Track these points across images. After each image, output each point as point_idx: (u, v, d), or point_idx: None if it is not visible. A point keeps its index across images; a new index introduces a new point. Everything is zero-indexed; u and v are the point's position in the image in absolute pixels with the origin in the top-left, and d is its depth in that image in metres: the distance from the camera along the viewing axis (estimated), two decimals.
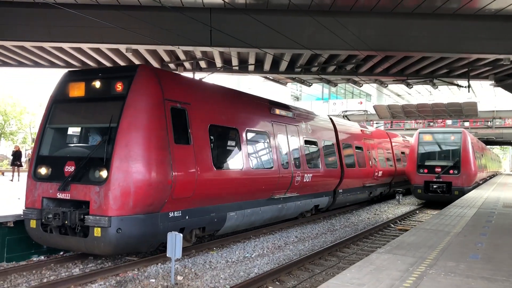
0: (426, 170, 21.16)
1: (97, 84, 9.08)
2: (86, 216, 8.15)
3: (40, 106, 42.58)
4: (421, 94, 67.98)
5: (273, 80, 23.68)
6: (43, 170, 8.99)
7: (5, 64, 19.81)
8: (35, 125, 44.36)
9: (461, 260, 7.13)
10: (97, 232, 8.04)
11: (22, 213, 9.06)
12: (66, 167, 8.66)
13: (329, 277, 8.59)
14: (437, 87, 24.25)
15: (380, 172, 21.58)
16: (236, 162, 11.13)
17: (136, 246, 8.69)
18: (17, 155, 23.04)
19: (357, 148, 19.39)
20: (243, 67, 19.64)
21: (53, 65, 19.50)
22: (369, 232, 13.87)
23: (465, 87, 20.98)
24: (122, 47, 15.96)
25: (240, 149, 11.22)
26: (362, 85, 26.83)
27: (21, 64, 19.74)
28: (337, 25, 13.98)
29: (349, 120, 22.44)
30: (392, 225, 15.82)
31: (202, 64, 19.72)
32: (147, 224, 8.50)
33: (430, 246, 8.18)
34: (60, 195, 8.57)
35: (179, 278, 8.31)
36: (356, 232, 13.75)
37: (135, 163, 8.26)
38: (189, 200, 9.35)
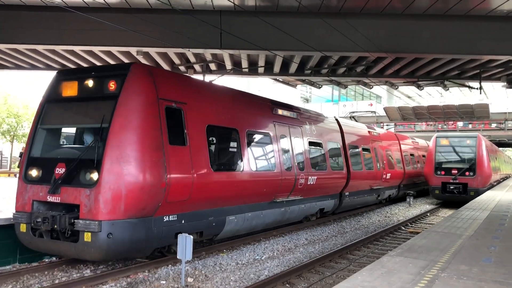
0: (443, 172, 22.71)
1: (89, 83, 8.83)
2: (75, 220, 7.88)
3: None
4: (432, 96, 67.51)
5: (283, 82, 23.66)
6: (34, 172, 8.73)
7: (18, 67, 20.04)
8: None
9: (473, 263, 7.05)
10: (87, 237, 7.78)
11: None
12: (57, 169, 8.39)
13: (339, 280, 8.56)
14: (448, 89, 24.02)
15: (388, 175, 21.35)
16: (235, 164, 10.86)
17: (128, 252, 8.41)
18: None
19: (364, 150, 19.13)
20: (253, 69, 19.65)
21: (64, 67, 19.69)
22: (379, 235, 13.79)
23: (477, 88, 20.81)
24: (133, 50, 16.06)
25: (239, 150, 10.90)
26: (372, 87, 26.65)
27: (33, 67, 19.97)
28: (347, 26, 13.93)
29: (356, 121, 22.14)
30: (403, 228, 15.71)
31: (212, 66, 19.77)
32: (140, 229, 8.20)
33: (442, 249, 8.11)
34: (50, 198, 8.33)
35: (190, 280, 8.33)
36: (366, 235, 13.67)
37: (127, 165, 7.97)
38: (185, 203, 9.04)
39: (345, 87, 25.76)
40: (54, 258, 9.78)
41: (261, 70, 19.64)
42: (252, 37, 13.95)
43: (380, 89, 55.23)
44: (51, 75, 10.57)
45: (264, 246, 11.60)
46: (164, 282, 8.19)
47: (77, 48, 16.19)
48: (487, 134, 42.00)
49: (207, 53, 17.12)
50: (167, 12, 13.74)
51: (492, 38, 14.49)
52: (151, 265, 9.14)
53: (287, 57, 17.52)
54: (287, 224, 14.16)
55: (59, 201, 8.22)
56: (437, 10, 13.82)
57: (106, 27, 12.76)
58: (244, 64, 18.84)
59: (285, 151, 12.74)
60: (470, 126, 45.43)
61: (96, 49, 16.18)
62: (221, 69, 19.91)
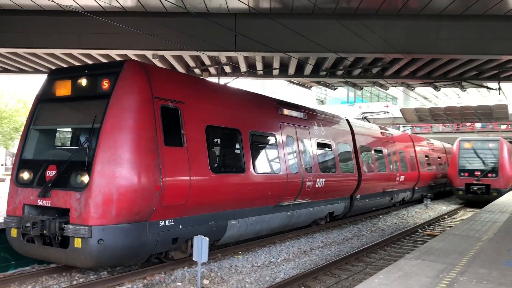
0: (466, 174, 24.21)
1: (83, 82, 8.52)
2: (65, 225, 7.56)
3: None
4: (449, 97, 66.71)
5: (298, 84, 23.61)
6: (25, 175, 8.43)
7: (37, 71, 20.37)
8: None
9: (493, 267, 6.93)
10: (77, 243, 7.44)
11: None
12: (48, 171, 8.10)
13: (356, 283, 8.49)
14: (465, 90, 23.73)
15: (402, 177, 20.92)
16: (237, 166, 10.45)
17: (121, 259, 8.07)
18: None
19: (377, 151, 18.67)
20: (267, 72, 19.65)
21: None
22: (396, 238, 13.66)
23: (495, 89, 20.49)
24: (149, 53, 16.20)
25: (241, 152, 10.49)
26: (388, 88, 26.42)
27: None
28: (363, 27, 13.85)
29: (369, 122, 21.64)
30: (420, 230, 15.53)
31: (227, 69, 19.83)
32: (133, 234, 7.84)
33: (460, 252, 7.99)
34: (40, 202, 8.01)
35: (206, 282, 8.35)
36: (383, 237, 13.55)
37: (118, 167, 7.63)
38: (182, 207, 8.66)
39: (361, 88, 25.58)
40: None
41: (275, 72, 19.64)
42: (266, 39, 13.95)
43: (396, 91, 54.76)
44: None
45: (280, 249, 11.57)
46: (180, 284, 8.22)
47: (94, 52, 16.40)
48: (506, 136, 41.32)
49: (222, 56, 17.18)
50: (183, 15, 13.82)
51: (510, 38, 14.27)
52: (168, 267, 9.19)
53: (302, 59, 17.48)
54: (297, 228, 13.87)
55: (49, 205, 7.92)
56: (454, 10, 13.66)
57: (122, 31, 12.89)
58: (259, 66, 18.85)
59: (291, 153, 12.33)
60: (490, 126, 44.85)
61: (112, 52, 16.36)
62: (236, 71, 19.97)
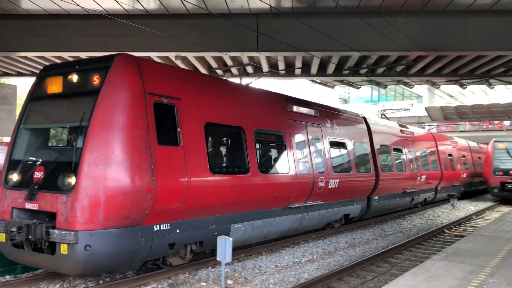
0: (501, 173, 25.13)
1: (74, 78, 8.02)
2: (51, 230, 7.09)
3: None
4: (476, 94, 65.28)
5: (320, 83, 23.50)
6: (14, 177, 7.99)
7: None
8: None
9: None
10: (63, 249, 6.98)
11: None
12: (36, 173, 7.66)
13: (381, 284, 8.37)
14: (493, 87, 23.20)
15: (423, 177, 20.07)
16: (240, 166, 9.85)
17: (111, 266, 7.56)
18: None
19: (396, 150, 17.85)
20: (289, 71, 19.61)
21: None
22: (422, 238, 13.43)
23: None
24: (172, 55, 16.36)
25: (245, 151, 9.82)
26: (412, 87, 26.05)
27: None
28: (386, 25, 13.68)
29: (388, 119, 20.81)
30: (447, 231, 15.23)
31: (249, 69, 19.88)
32: (124, 240, 7.33)
33: (490, 253, 7.80)
34: (28, 205, 7.55)
35: (229, 282, 8.36)
36: (408, 238, 13.34)
37: (106, 168, 7.13)
38: (179, 211, 8.09)
39: (385, 87, 25.32)
40: None
41: (298, 71, 19.58)
42: (288, 39, 13.92)
43: (421, 89, 53.91)
44: None
45: (304, 249, 11.51)
46: (204, 284, 8.26)
47: None
48: None
49: (244, 56, 17.21)
50: (205, 16, 13.92)
51: None
52: (192, 266, 9.24)
53: (324, 58, 17.37)
54: (314, 230, 13.29)
55: (37, 208, 7.45)
56: (482, 5, 13.36)
57: (145, 33, 13.05)
58: (281, 66, 18.82)
59: (301, 152, 11.67)
60: None
61: (136, 55, 16.55)
62: (257, 71, 19.98)
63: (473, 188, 29.91)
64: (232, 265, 9.55)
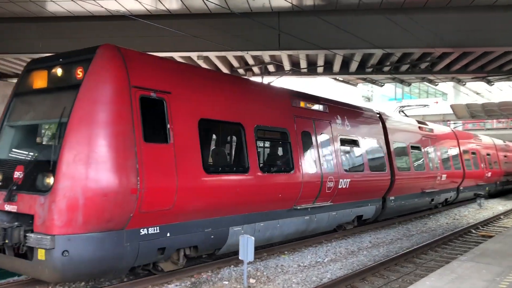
0: None
1: (58, 71, 7.57)
2: (27, 235, 6.60)
3: None
4: (504, 91, 63.73)
5: (343, 81, 23.30)
6: None
7: None
8: None
9: None
10: (40, 254, 6.50)
11: None
12: (16, 172, 7.20)
13: (406, 285, 8.24)
14: None
15: (444, 176, 19.21)
16: (239, 165, 9.30)
17: (92, 273, 7.03)
18: None
19: (414, 148, 17.02)
20: (311, 69, 19.50)
21: None
22: (448, 238, 13.18)
23: None
24: (194, 55, 16.45)
25: (244, 149, 9.19)
26: (437, 84, 25.58)
27: None
28: (410, 22, 13.46)
29: (406, 116, 20.02)
30: (474, 231, 14.91)
31: (271, 68, 19.84)
32: (106, 245, 6.81)
33: None
34: (7, 207, 7.05)
35: (252, 281, 8.37)
36: (434, 238, 13.11)
37: (86, 167, 6.63)
38: (169, 213, 7.53)
39: (409, 84, 24.95)
40: None
41: (320, 70, 19.45)
42: (310, 37, 13.83)
43: (446, 86, 52.96)
44: None
45: (326, 249, 11.43)
46: (226, 282, 8.28)
47: None
48: None
49: (266, 55, 17.20)
50: (226, 16, 13.95)
51: None
52: (214, 265, 9.28)
53: (347, 56, 17.22)
54: (323, 233, 12.71)
55: (16, 210, 6.96)
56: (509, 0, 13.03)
57: (168, 33, 13.16)
58: (303, 64, 18.73)
59: (308, 150, 10.98)
60: None
61: (159, 55, 16.72)
62: (279, 70, 19.94)
63: (499, 188, 29.11)
64: (254, 264, 9.55)
